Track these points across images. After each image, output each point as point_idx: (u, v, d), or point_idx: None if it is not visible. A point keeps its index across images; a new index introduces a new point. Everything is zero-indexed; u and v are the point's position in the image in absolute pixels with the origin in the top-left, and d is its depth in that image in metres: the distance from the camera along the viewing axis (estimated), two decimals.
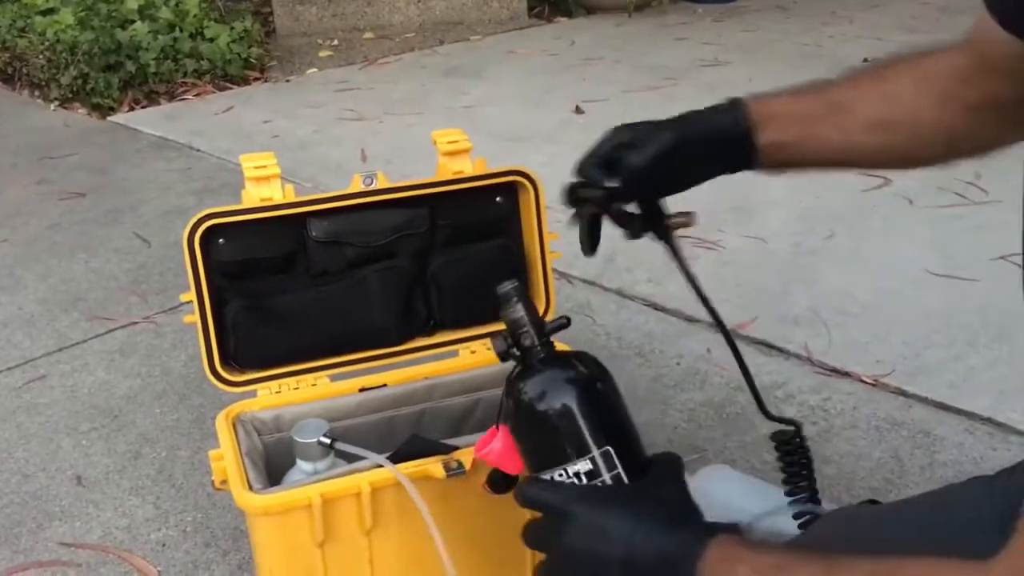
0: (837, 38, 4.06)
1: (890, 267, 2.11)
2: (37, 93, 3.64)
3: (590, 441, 0.82)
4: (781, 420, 1.00)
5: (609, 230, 0.97)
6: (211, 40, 3.72)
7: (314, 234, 1.17)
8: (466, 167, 1.20)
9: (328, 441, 1.06)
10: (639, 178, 0.93)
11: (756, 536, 0.88)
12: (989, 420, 1.59)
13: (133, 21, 3.65)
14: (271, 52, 4.10)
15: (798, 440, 0.99)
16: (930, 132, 0.90)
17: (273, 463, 1.15)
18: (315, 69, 3.93)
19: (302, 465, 1.08)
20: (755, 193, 2.42)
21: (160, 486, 1.52)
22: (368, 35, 4.40)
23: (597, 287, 2.01)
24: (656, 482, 0.83)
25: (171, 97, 3.58)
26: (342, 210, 1.17)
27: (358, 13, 4.51)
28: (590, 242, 0.98)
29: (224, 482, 1.05)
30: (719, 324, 0.99)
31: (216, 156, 2.96)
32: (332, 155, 2.95)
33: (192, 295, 1.12)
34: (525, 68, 3.82)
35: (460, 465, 1.01)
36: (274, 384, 1.19)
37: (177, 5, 3.78)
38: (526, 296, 0.90)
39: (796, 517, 0.96)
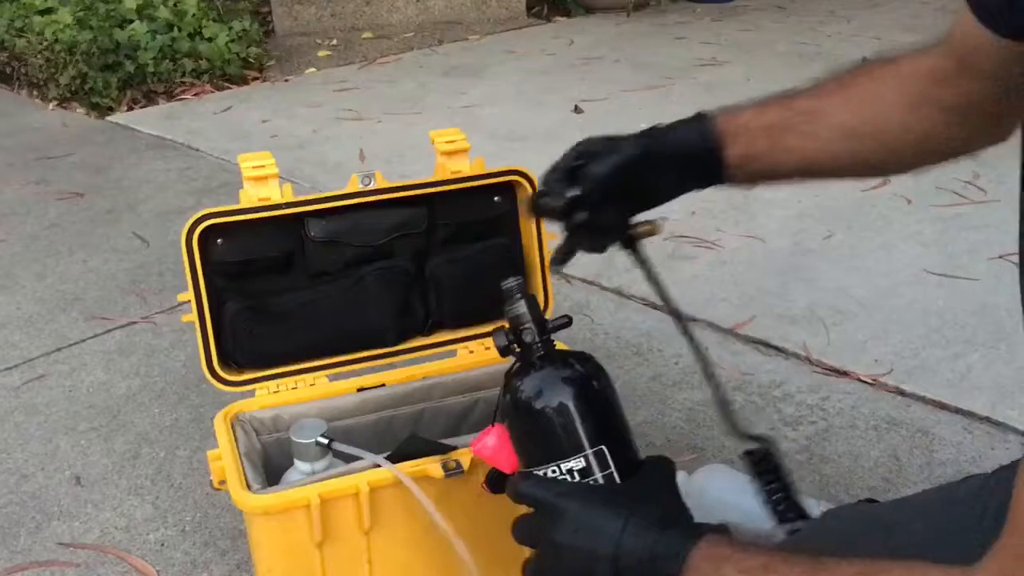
0: (835, 37, 4.06)
1: (888, 266, 2.11)
2: (35, 93, 3.63)
3: (584, 439, 0.83)
4: (753, 438, 1.00)
5: None
6: (209, 40, 3.72)
7: (312, 234, 1.17)
8: (464, 167, 1.20)
9: (325, 441, 1.07)
10: (599, 188, 0.93)
11: (745, 537, 0.88)
12: (987, 419, 1.59)
13: (131, 21, 3.65)
14: (270, 52, 4.10)
15: (771, 459, 0.98)
16: (898, 137, 0.90)
17: (272, 463, 1.15)
18: (314, 69, 3.93)
19: (300, 465, 1.08)
20: (754, 192, 2.42)
21: (159, 486, 1.52)
22: (367, 35, 4.40)
23: (595, 286, 2.01)
24: (647, 483, 0.83)
25: (169, 97, 3.58)
26: (340, 210, 1.17)
27: (357, 13, 4.51)
28: (561, 257, 0.98)
29: (222, 482, 1.05)
30: (689, 336, 0.99)
31: (215, 156, 2.96)
32: (331, 155, 2.94)
33: (190, 295, 1.12)
34: (524, 68, 3.82)
35: (459, 465, 1.01)
36: (272, 384, 1.19)
37: (175, 5, 3.77)
38: (529, 293, 0.91)
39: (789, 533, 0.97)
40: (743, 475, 1.22)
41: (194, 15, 3.75)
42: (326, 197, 1.16)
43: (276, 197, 1.13)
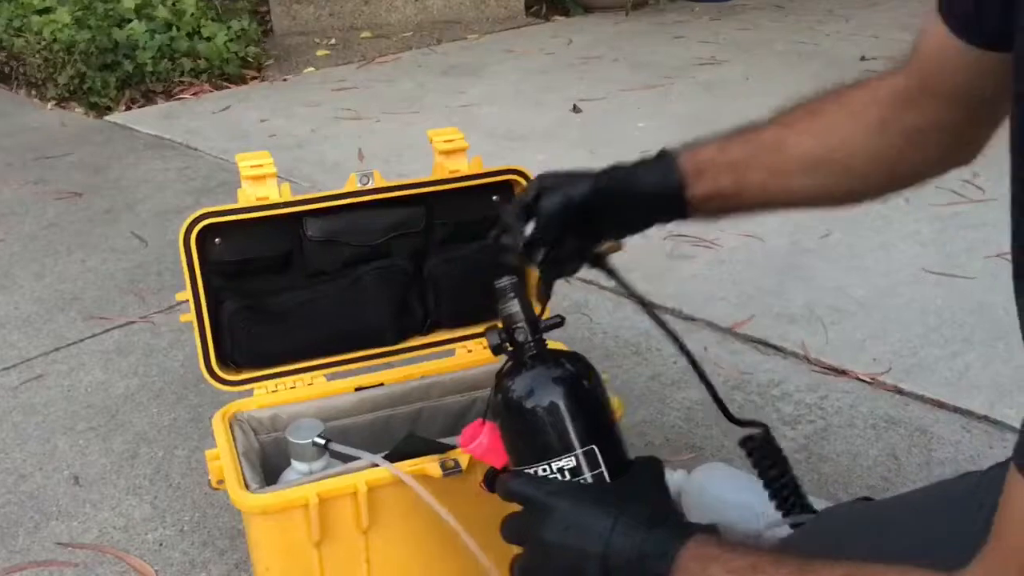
0: (834, 36, 4.06)
1: (887, 265, 2.11)
2: (34, 92, 3.63)
3: (575, 439, 0.83)
4: (747, 423, 1.01)
5: None
6: (208, 39, 3.72)
7: (310, 233, 1.17)
8: (462, 166, 1.20)
9: (322, 442, 1.06)
10: (555, 226, 0.93)
11: (734, 537, 0.89)
12: (986, 418, 1.59)
13: (130, 20, 3.65)
14: (268, 51, 4.10)
15: (769, 444, 0.99)
16: (865, 164, 0.90)
17: (270, 462, 1.15)
18: (312, 68, 3.93)
19: (297, 465, 1.08)
20: None
21: (157, 486, 1.52)
22: (365, 34, 4.40)
23: (594, 286, 2.01)
24: (637, 482, 0.84)
25: (168, 96, 3.58)
26: (338, 209, 1.17)
27: (355, 12, 4.51)
28: (545, 292, 0.99)
29: (221, 482, 1.05)
30: (679, 344, 0.99)
31: (213, 155, 2.96)
32: (329, 154, 2.94)
33: (188, 294, 1.12)
34: (523, 67, 3.82)
35: (457, 464, 1.01)
36: (270, 383, 1.19)
37: (174, 4, 3.77)
38: (523, 292, 0.91)
39: (792, 526, 0.97)
40: (742, 473, 1.22)
41: (193, 14, 3.75)
42: (324, 196, 1.16)
43: (274, 196, 1.13)
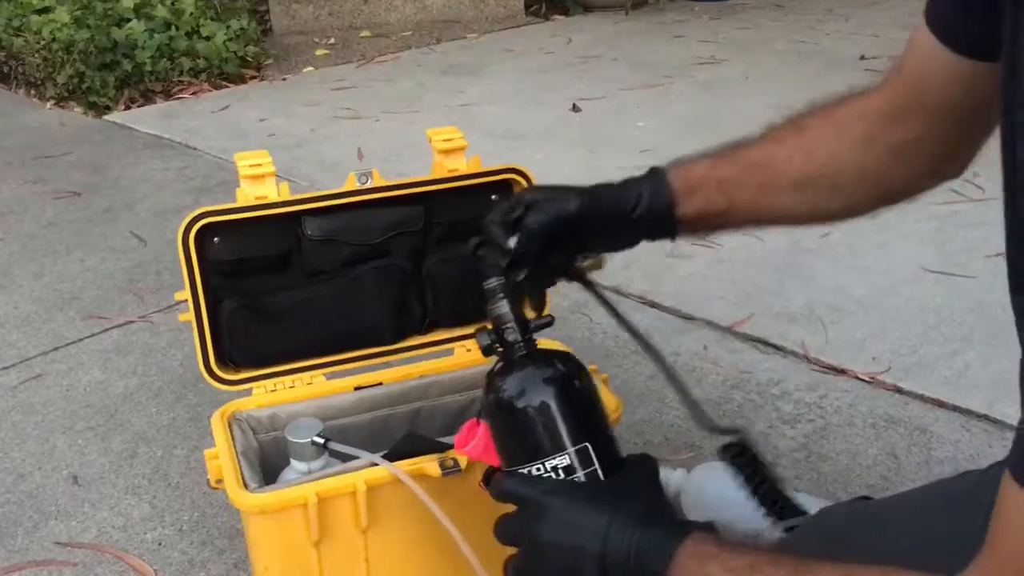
0: (834, 35, 4.06)
1: (886, 264, 2.11)
2: (33, 92, 3.63)
3: (568, 437, 0.83)
4: (725, 431, 1.01)
5: None
6: (207, 39, 3.71)
7: (309, 232, 1.17)
8: (461, 165, 1.20)
9: (321, 441, 1.06)
10: (537, 242, 0.93)
11: (732, 536, 0.88)
12: (985, 417, 1.59)
13: (129, 20, 3.65)
14: (267, 50, 4.09)
15: (749, 451, 0.98)
16: (852, 180, 0.90)
17: (269, 462, 1.15)
18: (311, 67, 3.92)
19: (296, 465, 1.08)
20: None
21: (156, 485, 1.52)
22: (364, 33, 4.40)
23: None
24: (631, 480, 0.83)
25: (167, 96, 3.58)
26: (337, 208, 1.17)
27: (354, 11, 4.50)
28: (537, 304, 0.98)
29: (219, 481, 1.05)
30: (653, 351, 0.99)
31: (212, 155, 2.96)
32: (328, 153, 2.94)
33: (187, 294, 1.12)
34: (522, 66, 3.82)
35: (456, 463, 1.01)
36: (269, 383, 1.19)
37: (173, 3, 3.77)
38: (511, 293, 0.91)
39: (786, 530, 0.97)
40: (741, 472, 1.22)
41: (192, 14, 3.75)
42: (323, 196, 1.16)
43: (273, 196, 1.13)
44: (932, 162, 0.87)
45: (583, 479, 0.82)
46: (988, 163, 0.85)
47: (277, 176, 1.15)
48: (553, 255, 0.95)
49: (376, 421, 1.21)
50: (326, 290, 1.20)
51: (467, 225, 1.22)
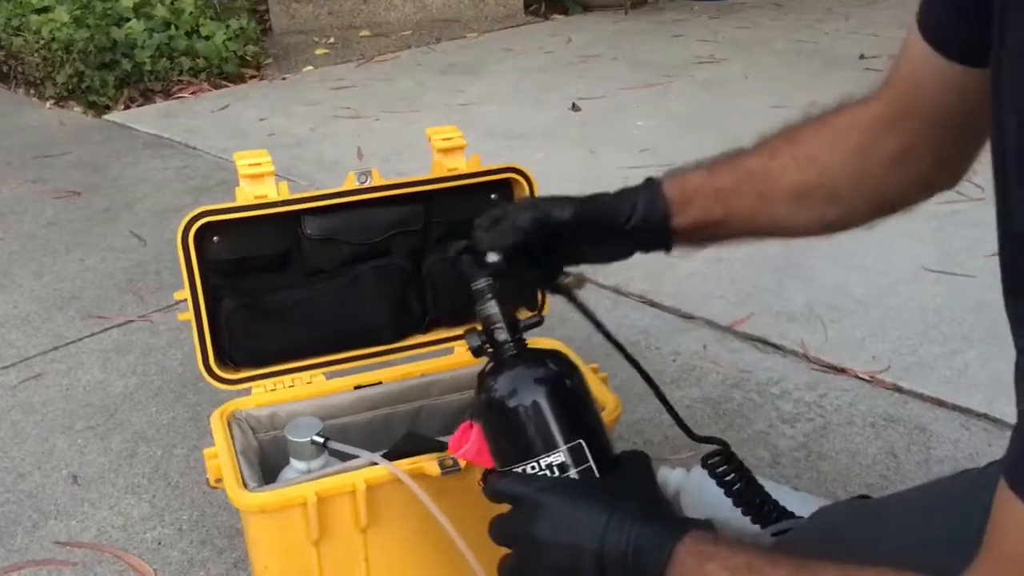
0: (833, 34, 4.06)
1: (886, 264, 2.11)
2: (32, 91, 3.63)
3: (561, 434, 0.82)
4: (706, 440, 1.01)
5: None
6: (207, 38, 3.71)
7: (309, 232, 1.17)
8: (461, 164, 1.20)
9: (321, 440, 1.06)
10: (523, 250, 0.92)
11: (730, 534, 0.88)
12: (985, 416, 1.59)
13: (128, 19, 3.65)
14: (267, 50, 4.09)
15: (732, 461, 0.98)
16: (850, 190, 0.89)
17: (268, 461, 1.15)
18: (311, 67, 3.92)
19: (295, 464, 1.08)
20: None
21: (155, 484, 1.52)
22: (364, 33, 4.40)
23: (592, 284, 2.01)
24: (627, 477, 0.83)
25: (167, 95, 3.58)
26: (337, 208, 1.17)
27: (354, 11, 4.50)
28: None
29: (219, 480, 1.05)
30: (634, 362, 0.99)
31: (212, 154, 2.96)
32: (328, 153, 2.94)
33: (186, 293, 1.12)
34: (522, 66, 3.82)
35: (455, 463, 1.01)
36: (269, 382, 1.19)
37: (173, 3, 3.77)
38: (500, 293, 0.91)
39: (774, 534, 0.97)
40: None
41: (191, 13, 3.75)
42: (323, 195, 1.16)
43: (272, 195, 1.13)
44: (929, 170, 0.87)
45: (578, 477, 0.82)
46: (988, 163, 0.85)
47: (277, 175, 1.15)
48: (545, 261, 0.94)
49: (376, 420, 1.21)
50: (326, 289, 1.20)
51: (467, 224, 1.22)
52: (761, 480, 1.08)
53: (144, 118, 3.34)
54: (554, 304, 1.09)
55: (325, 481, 1.00)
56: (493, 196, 1.23)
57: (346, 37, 4.35)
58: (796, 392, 1.68)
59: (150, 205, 2.59)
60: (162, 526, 1.43)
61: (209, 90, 3.62)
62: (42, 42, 3.50)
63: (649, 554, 0.72)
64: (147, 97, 3.55)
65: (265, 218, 1.14)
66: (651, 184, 0.94)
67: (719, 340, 1.85)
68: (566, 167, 2.64)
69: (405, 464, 1.01)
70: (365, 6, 4.51)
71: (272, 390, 1.18)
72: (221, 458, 1.06)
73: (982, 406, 1.61)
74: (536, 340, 1.18)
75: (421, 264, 1.23)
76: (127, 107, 3.47)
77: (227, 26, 3.78)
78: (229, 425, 1.12)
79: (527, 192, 1.21)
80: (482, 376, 0.88)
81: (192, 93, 3.59)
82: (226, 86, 3.68)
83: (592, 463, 0.82)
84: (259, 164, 1.12)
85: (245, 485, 1.02)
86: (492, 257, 0.90)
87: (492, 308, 0.89)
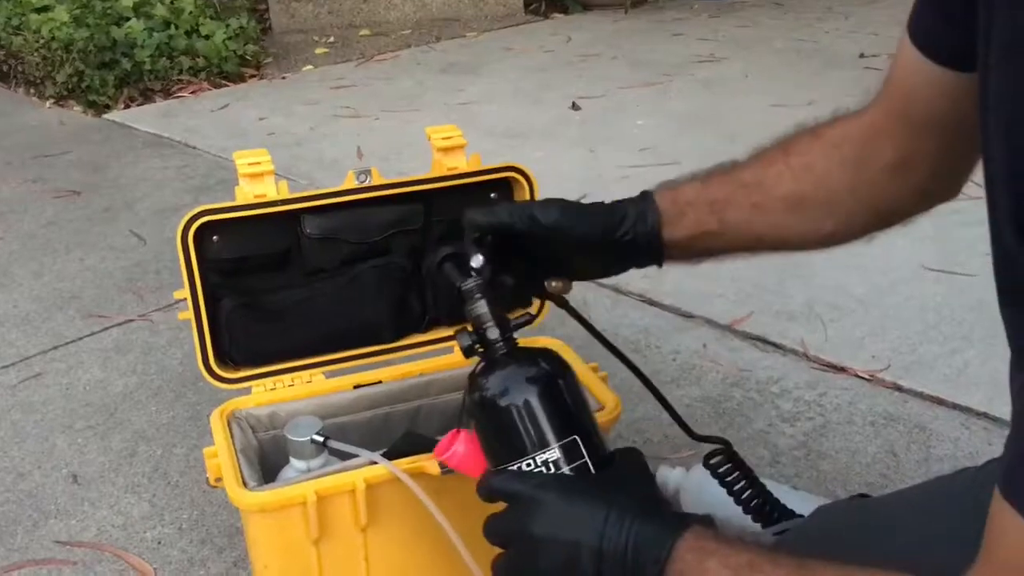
0: (833, 33, 4.06)
1: (886, 262, 2.11)
2: (32, 91, 3.63)
3: (555, 431, 0.82)
4: (707, 439, 1.00)
5: None
6: (207, 37, 3.72)
7: (308, 231, 1.17)
8: (460, 163, 1.20)
9: (320, 439, 1.06)
10: (509, 258, 0.91)
11: (731, 531, 0.88)
12: (985, 415, 1.59)
13: (128, 18, 3.65)
14: (267, 49, 4.09)
15: (734, 460, 0.98)
16: (845, 202, 0.88)
17: (268, 460, 1.15)
18: (311, 66, 3.92)
19: (295, 463, 1.08)
20: None
21: (155, 484, 1.52)
22: (364, 32, 4.40)
23: (592, 283, 2.01)
24: (623, 473, 0.82)
25: (167, 95, 3.58)
26: (337, 207, 1.16)
27: (354, 10, 4.50)
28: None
29: (219, 479, 1.05)
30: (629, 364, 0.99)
31: (212, 153, 2.96)
32: (328, 152, 2.94)
33: (186, 292, 1.12)
34: (521, 65, 3.82)
35: None
36: (269, 381, 1.19)
37: (172, 2, 3.77)
38: (490, 292, 0.90)
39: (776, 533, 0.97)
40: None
41: (191, 13, 3.75)
42: (322, 194, 1.16)
43: (272, 194, 1.13)
44: (926, 180, 0.87)
45: (573, 473, 0.81)
46: None
47: (276, 175, 1.14)
48: (531, 267, 0.93)
49: (375, 419, 1.21)
50: (325, 288, 1.20)
51: None
52: (761, 480, 1.08)
53: (144, 117, 3.34)
54: (554, 305, 1.09)
55: (325, 480, 1.00)
56: (493, 195, 1.23)
57: (346, 36, 4.35)
58: (796, 391, 1.68)
59: (150, 204, 2.60)
60: (162, 525, 1.43)
61: (209, 89, 3.62)
62: (42, 41, 3.50)
63: (649, 550, 0.72)
64: (147, 96, 3.55)
65: (265, 217, 1.13)
66: (643, 196, 0.93)
67: (719, 339, 1.85)
68: (566, 166, 2.64)
69: (405, 463, 1.01)
70: (365, 5, 4.51)
71: (272, 389, 1.18)
72: (221, 457, 1.06)
73: (982, 405, 1.61)
74: (536, 340, 1.19)
75: (421, 263, 1.23)
76: (127, 106, 3.47)
77: (227, 25, 3.78)
78: (229, 424, 1.12)
79: (527, 191, 1.21)
80: (473, 376, 0.88)
81: (192, 92, 3.59)
82: (226, 85, 3.68)
83: (587, 459, 0.82)
84: (259, 163, 1.12)
85: (245, 484, 1.02)
86: (476, 263, 0.90)
87: (481, 308, 0.89)
